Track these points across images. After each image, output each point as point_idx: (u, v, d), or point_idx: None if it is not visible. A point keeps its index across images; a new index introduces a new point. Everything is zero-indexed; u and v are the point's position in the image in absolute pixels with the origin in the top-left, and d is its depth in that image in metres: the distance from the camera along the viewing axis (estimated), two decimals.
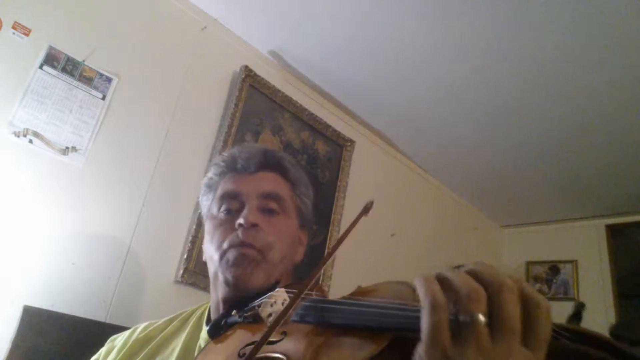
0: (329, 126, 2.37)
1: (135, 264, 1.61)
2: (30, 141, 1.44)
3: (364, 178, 2.53)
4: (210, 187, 0.86)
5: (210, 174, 0.87)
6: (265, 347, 0.50)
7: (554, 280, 3.27)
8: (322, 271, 2.22)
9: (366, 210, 0.56)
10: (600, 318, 2.97)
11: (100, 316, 1.50)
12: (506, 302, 0.33)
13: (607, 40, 1.76)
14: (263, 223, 0.77)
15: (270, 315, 0.53)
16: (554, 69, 1.95)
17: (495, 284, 0.34)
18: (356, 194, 2.46)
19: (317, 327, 0.48)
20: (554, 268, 3.31)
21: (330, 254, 0.60)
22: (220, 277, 0.77)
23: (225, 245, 0.77)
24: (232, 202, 0.80)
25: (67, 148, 1.52)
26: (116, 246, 1.59)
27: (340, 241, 0.55)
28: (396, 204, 2.76)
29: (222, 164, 0.85)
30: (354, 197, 2.44)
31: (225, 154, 0.87)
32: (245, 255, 0.75)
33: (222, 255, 0.77)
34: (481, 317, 0.33)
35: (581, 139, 2.41)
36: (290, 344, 0.49)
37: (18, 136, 1.42)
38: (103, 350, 0.86)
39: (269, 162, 0.84)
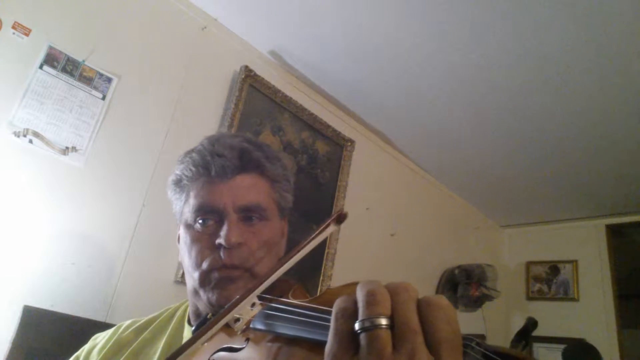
0: (329, 126, 2.37)
1: (135, 264, 1.61)
2: (30, 141, 1.44)
3: (364, 178, 2.53)
4: (182, 187, 0.79)
5: (179, 172, 0.78)
6: (229, 355, 0.50)
7: (554, 280, 3.27)
8: (322, 271, 2.22)
9: (338, 220, 0.50)
10: (600, 318, 2.97)
11: (100, 316, 1.50)
12: (404, 301, 0.32)
13: (608, 40, 1.75)
14: (246, 236, 0.71)
15: (237, 320, 0.51)
16: (554, 69, 1.95)
17: (392, 287, 0.33)
18: (356, 194, 2.46)
19: (275, 335, 0.47)
20: (554, 268, 3.31)
21: (291, 256, 0.51)
22: (203, 297, 0.71)
23: (205, 266, 0.70)
24: (209, 215, 0.73)
25: (67, 148, 1.51)
26: (116, 246, 1.59)
27: (303, 246, 0.50)
28: (396, 204, 2.76)
29: (193, 168, 0.75)
30: (354, 197, 2.44)
31: (195, 154, 0.76)
32: (229, 278, 0.69)
33: (203, 277, 0.71)
34: (380, 320, 0.31)
35: (581, 139, 2.41)
36: (251, 352, 0.48)
37: (18, 136, 1.42)
38: (85, 347, 0.85)
39: (246, 165, 0.75)
